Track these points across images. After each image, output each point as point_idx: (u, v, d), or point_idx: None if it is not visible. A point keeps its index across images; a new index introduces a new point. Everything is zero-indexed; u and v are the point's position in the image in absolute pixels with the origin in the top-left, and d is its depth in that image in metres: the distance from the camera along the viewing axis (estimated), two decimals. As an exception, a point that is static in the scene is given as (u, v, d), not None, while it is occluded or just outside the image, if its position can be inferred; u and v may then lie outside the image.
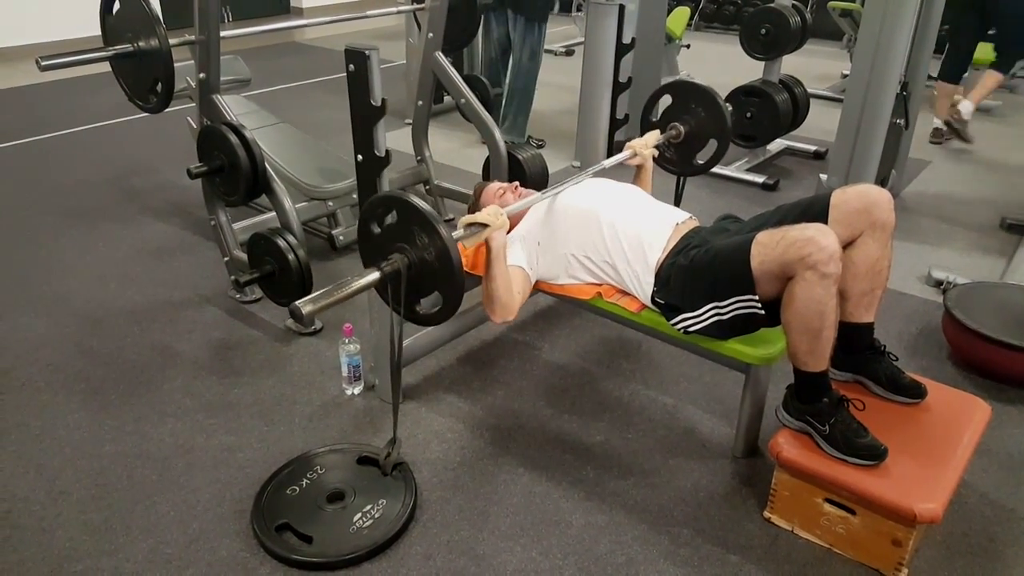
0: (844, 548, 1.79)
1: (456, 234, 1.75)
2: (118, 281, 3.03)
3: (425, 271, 1.68)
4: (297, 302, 1.56)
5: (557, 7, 8.24)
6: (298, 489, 1.93)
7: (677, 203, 2.74)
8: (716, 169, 4.22)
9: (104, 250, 3.30)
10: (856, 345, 1.96)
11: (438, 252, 1.64)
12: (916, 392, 1.93)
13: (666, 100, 2.65)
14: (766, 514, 1.90)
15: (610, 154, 4.00)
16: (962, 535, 1.87)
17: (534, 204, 2.14)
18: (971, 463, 1.83)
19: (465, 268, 2.36)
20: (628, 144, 2.46)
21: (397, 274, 1.68)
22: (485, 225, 1.83)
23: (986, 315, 2.44)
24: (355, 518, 1.84)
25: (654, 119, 2.66)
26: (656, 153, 2.50)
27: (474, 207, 2.30)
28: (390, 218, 1.71)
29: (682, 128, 2.56)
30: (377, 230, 1.74)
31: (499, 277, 1.91)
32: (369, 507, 1.87)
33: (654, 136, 2.51)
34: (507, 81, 4.49)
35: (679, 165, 2.67)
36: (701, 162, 2.64)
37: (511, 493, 1.98)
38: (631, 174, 2.48)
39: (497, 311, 1.96)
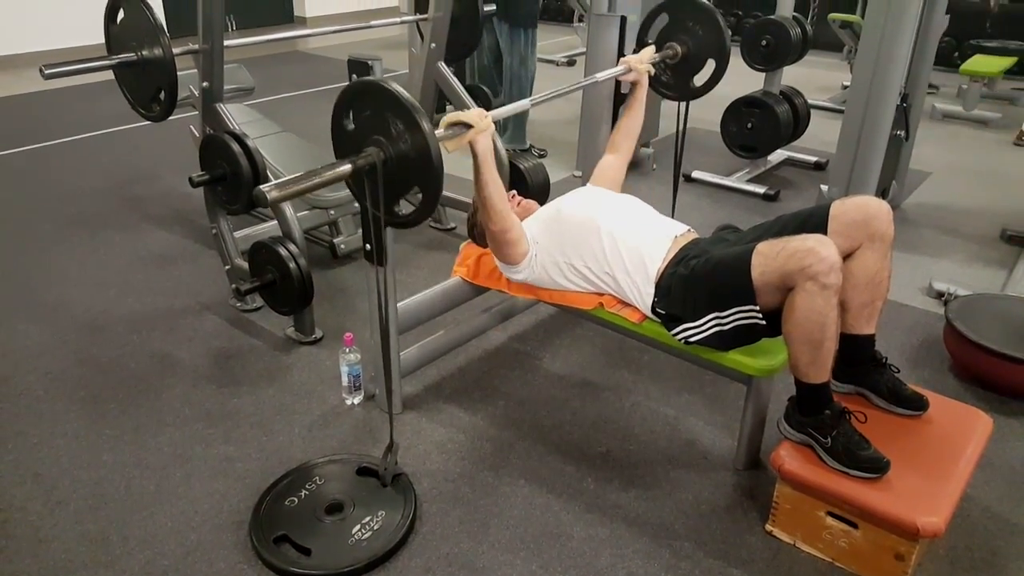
0: (847, 562, 1.78)
1: (437, 133, 1.66)
2: (118, 289, 3.03)
3: (403, 166, 1.56)
4: (262, 186, 1.47)
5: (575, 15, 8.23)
6: (297, 500, 1.92)
7: (673, 204, 2.72)
8: (717, 179, 4.28)
9: (105, 257, 3.30)
10: (857, 357, 1.95)
11: (417, 146, 1.51)
12: (918, 404, 1.92)
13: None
14: (768, 527, 1.89)
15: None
16: (965, 549, 1.86)
17: (521, 109, 2.08)
18: (973, 476, 1.82)
19: (467, 278, 2.38)
20: (623, 59, 2.36)
21: (372, 168, 1.57)
22: (469, 126, 1.77)
23: (987, 327, 2.43)
24: (354, 530, 1.83)
25: (650, 41, 2.55)
26: (652, 71, 2.41)
27: (474, 218, 2.30)
28: (367, 111, 1.59)
29: (679, 48, 2.46)
30: (351, 125, 1.62)
31: (490, 183, 1.89)
32: (368, 519, 1.86)
33: (649, 52, 2.41)
34: (502, 89, 4.51)
35: (676, 88, 2.57)
36: (699, 85, 2.54)
37: (511, 505, 1.97)
38: (629, 185, 2.47)
39: (494, 217, 1.95)
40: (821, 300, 1.66)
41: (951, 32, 6.68)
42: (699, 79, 2.59)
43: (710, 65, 2.52)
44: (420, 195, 1.62)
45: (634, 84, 2.41)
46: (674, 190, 2.87)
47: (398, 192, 1.64)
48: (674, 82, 2.57)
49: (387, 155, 1.57)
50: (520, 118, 4.54)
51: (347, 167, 1.56)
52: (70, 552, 1.81)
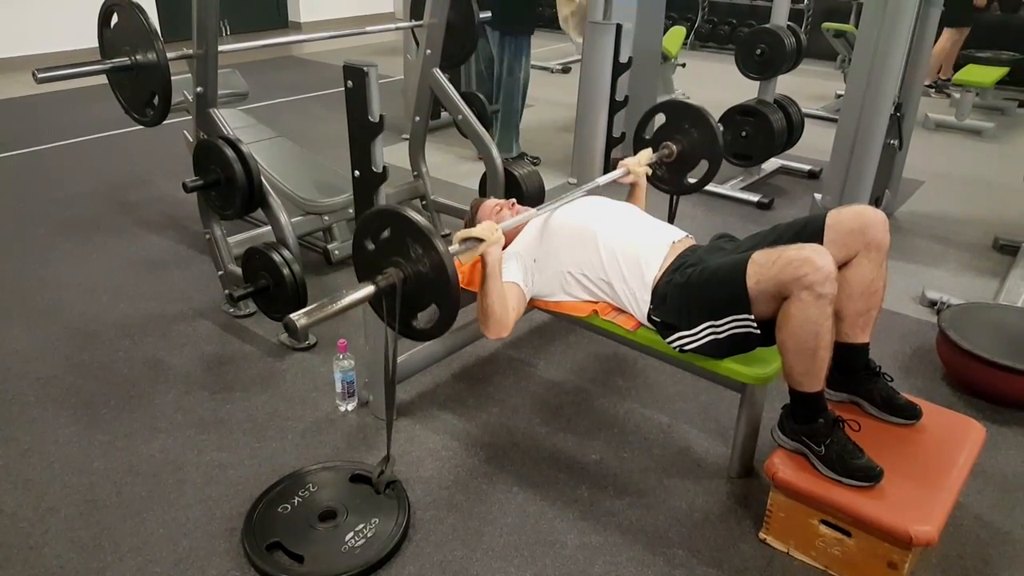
0: (840, 570, 1.78)
1: (452, 249, 1.74)
2: (111, 294, 3.01)
3: (420, 285, 1.66)
4: (292, 315, 1.55)
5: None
6: (290, 507, 1.91)
7: (671, 219, 2.75)
8: (711, 187, 4.28)
9: (98, 262, 3.28)
10: (851, 365, 1.96)
11: (434, 265, 1.62)
12: (911, 413, 1.93)
13: (660, 119, 2.67)
14: (761, 535, 1.89)
15: (606, 172, 4.02)
16: (957, 557, 1.86)
17: (530, 220, 2.14)
18: (966, 485, 1.82)
19: (461, 285, 2.37)
20: (621, 163, 2.49)
21: (392, 288, 1.66)
22: (481, 240, 1.83)
23: (980, 336, 2.44)
24: (347, 537, 1.82)
25: (647, 137, 2.69)
26: (649, 171, 2.52)
27: (471, 223, 2.30)
28: (385, 232, 1.69)
29: (674, 147, 2.60)
30: (372, 246, 1.72)
31: (493, 293, 1.90)
32: (361, 526, 1.85)
33: (646, 155, 2.54)
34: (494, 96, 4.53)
35: (671, 184, 2.70)
36: (692, 181, 2.67)
37: (505, 512, 1.96)
38: (626, 191, 2.50)
39: (492, 327, 1.95)
40: (816, 309, 1.66)
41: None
42: (693, 175, 2.69)
43: (703, 164, 2.63)
44: (437, 311, 1.69)
45: (633, 185, 2.50)
46: (672, 199, 2.88)
47: (416, 308, 1.72)
48: (669, 178, 2.69)
49: (406, 274, 1.66)
50: (508, 125, 4.54)
51: (370, 289, 1.64)
52: (61, 559, 1.79)
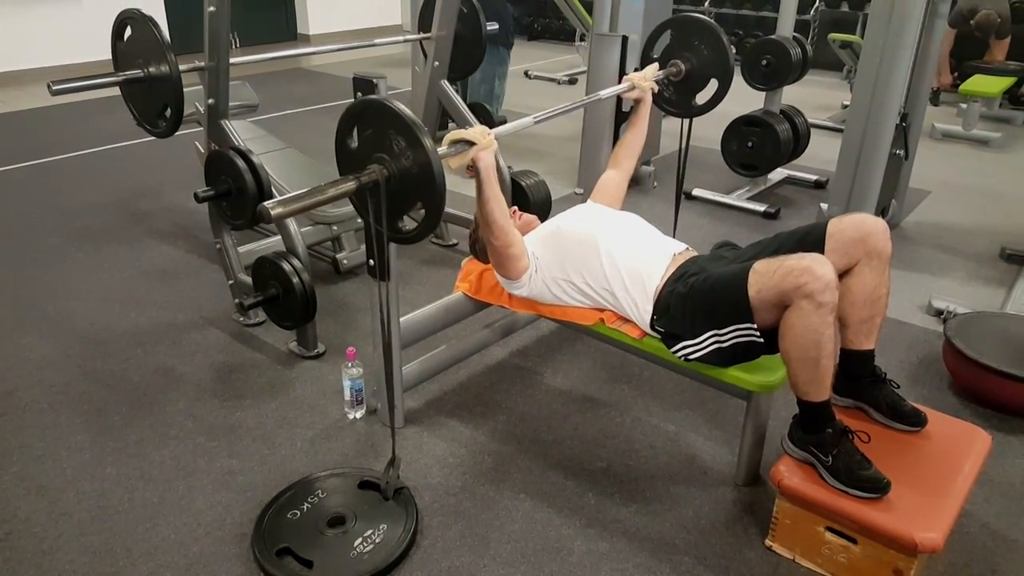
0: (846, 578, 1.79)
1: (440, 150, 1.67)
2: (122, 303, 3.05)
3: (406, 182, 1.58)
4: (266, 202, 1.49)
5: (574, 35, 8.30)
6: (299, 513, 1.93)
7: (675, 223, 2.75)
8: (717, 197, 4.31)
9: (109, 272, 3.32)
10: (857, 372, 1.97)
11: (419, 162, 1.54)
12: (916, 420, 1.93)
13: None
14: (767, 542, 1.90)
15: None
16: (964, 565, 1.86)
17: (522, 127, 2.08)
18: (973, 493, 1.83)
19: (468, 293, 2.40)
20: (626, 77, 2.38)
21: (376, 185, 1.59)
22: (471, 143, 1.79)
23: (986, 345, 2.44)
24: (356, 543, 1.84)
25: (655, 57, 2.57)
26: (655, 88, 2.43)
27: (476, 234, 2.32)
28: (369, 129, 1.61)
29: (683, 65, 2.47)
30: (354, 144, 1.64)
31: (492, 199, 1.90)
32: (370, 532, 1.87)
33: (653, 70, 2.43)
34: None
35: (679, 106, 2.59)
36: (701, 103, 2.55)
37: (512, 519, 1.97)
38: (630, 203, 2.50)
39: (496, 232, 1.97)
40: (816, 318, 1.67)
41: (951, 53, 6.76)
42: (702, 97, 2.62)
43: (713, 84, 2.55)
44: (423, 211, 1.64)
45: (637, 101, 2.44)
46: (676, 208, 2.90)
47: (401, 209, 1.66)
48: (677, 99, 2.58)
49: (390, 172, 1.59)
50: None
51: (351, 184, 1.58)
52: (74, 563, 1.81)
